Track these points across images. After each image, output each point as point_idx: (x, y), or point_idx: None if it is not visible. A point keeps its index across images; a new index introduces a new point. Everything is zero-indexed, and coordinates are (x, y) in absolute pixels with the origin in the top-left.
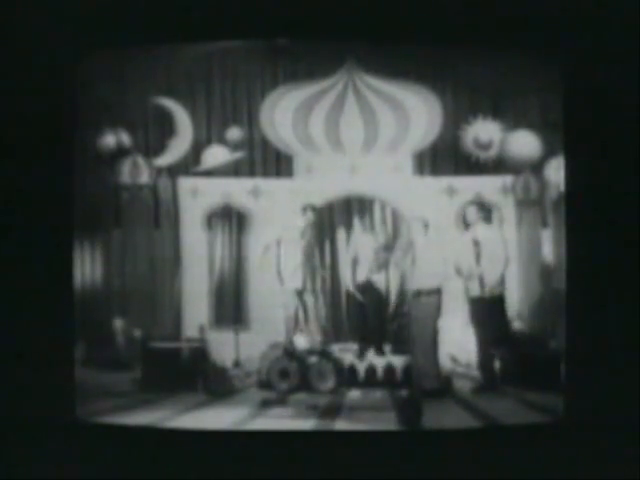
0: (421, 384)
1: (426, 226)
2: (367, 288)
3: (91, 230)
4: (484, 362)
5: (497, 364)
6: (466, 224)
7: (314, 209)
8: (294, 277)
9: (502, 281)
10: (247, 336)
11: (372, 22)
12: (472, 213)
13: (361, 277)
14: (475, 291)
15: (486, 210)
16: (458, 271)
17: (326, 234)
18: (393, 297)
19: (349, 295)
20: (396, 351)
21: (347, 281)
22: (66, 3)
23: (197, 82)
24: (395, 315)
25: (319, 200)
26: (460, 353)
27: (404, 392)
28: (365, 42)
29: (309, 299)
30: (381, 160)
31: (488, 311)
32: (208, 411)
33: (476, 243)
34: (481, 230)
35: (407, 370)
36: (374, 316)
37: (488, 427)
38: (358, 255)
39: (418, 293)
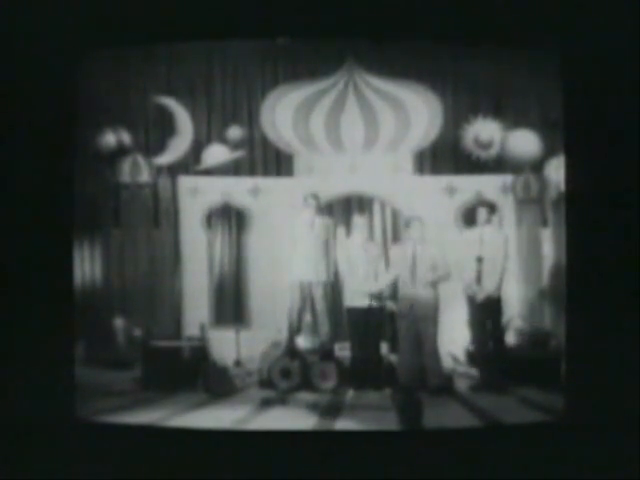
0: (422, 382)
1: (423, 225)
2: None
3: (91, 229)
4: (483, 361)
5: (497, 363)
6: (474, 224)
7: (315, 197)
8: (304, 269)
9: (501, 282)
10: (248, 335)
11: (372, 21)
12: (482, 215)
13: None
14: (475, 291)
15: (495, 212)
16: (460, 270)
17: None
18: (391, 297)
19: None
20: (395, 350)
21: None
22: (66, 3)
23: (197, 81)
24: (394, 315)
25: None
26: (461, 352)
27: (405, 391)
28: (365, 41)
29: (317, 292)
30: (381, 159)
31: (487, 310)
32: (208, 410)
33: (482, 243)
34: (488, 231)
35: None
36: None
37: (489, 426)
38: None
39: (415, 291)
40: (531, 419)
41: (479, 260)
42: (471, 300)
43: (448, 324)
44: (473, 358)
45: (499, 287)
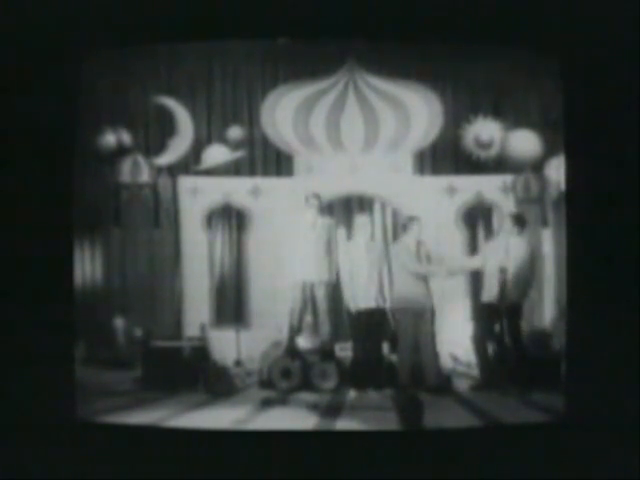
0: (420, 382)
1: (421, 224)
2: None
3: (91, 229)
4: (486, 361)
5: (498, 363)
6: (498, 232)
7: (318, 197)
8: (306, 269)
9: (526, 291)
10: (248, 335)
11: (372, 22)
12: (508, 224)
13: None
14: (493, 296)
15: (522, 223)
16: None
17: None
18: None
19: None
20: (396, 350)
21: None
22: (67, 3)
23: (198, 81)
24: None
25: None
26: (461, 352)
27: (405, 391)
28: (366, 42)
29: (319, 292)
30: (381, 159)
31: (509, 317)
32: (208, 411)
33: (507, 253)
34: (513, 241)
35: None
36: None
37: (489, 426)
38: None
39: (412, 290)
40: (531, 419)
41: (502, 270)
42: (492, 307)
43: (448, 324)
44: (485, 362)
45: (524, 296)
